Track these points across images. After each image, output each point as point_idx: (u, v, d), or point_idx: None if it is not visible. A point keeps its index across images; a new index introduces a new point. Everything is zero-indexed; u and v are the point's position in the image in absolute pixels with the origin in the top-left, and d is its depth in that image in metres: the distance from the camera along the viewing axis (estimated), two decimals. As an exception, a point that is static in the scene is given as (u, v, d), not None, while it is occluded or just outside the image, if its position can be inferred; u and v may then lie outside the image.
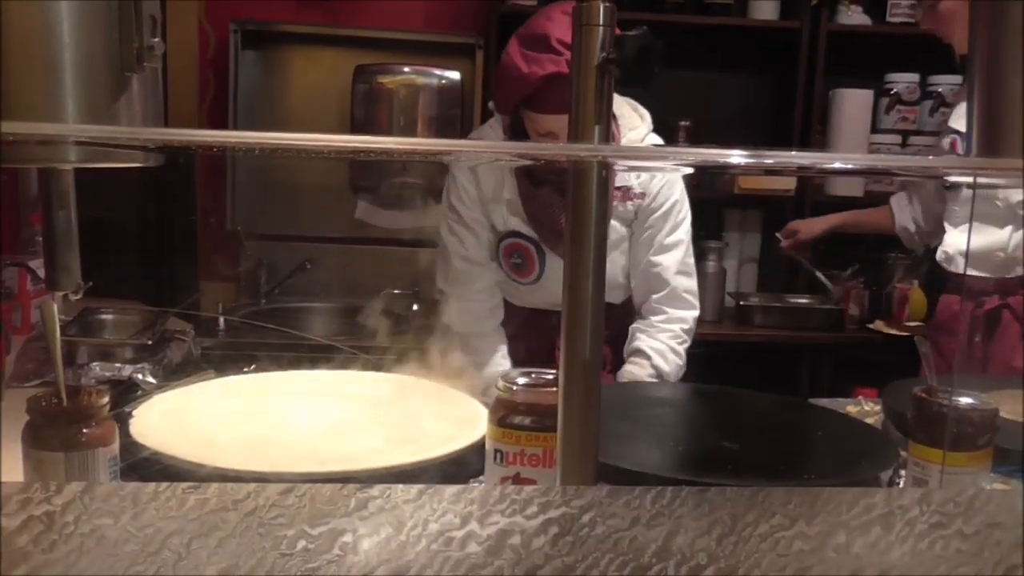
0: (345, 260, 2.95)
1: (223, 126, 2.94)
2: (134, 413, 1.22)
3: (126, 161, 0.78)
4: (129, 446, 1.09)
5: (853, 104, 3.07)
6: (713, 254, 3.05)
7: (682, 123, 3.04)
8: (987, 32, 0.71)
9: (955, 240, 2.15)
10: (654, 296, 1.88)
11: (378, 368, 1.57)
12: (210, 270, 2.99)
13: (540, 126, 1.70)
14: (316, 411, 1.32)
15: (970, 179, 1.48)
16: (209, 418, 1.26)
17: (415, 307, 2.61)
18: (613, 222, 1.82)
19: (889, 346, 2.81)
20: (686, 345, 1.90)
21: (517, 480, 0.98)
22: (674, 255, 1.88)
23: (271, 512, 0.69)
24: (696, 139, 3.03)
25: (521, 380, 1.01)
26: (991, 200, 2.04)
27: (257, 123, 2.95)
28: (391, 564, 0.70)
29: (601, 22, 0.73)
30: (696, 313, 1.92)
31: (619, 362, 1.87)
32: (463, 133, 2.76)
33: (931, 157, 2.37)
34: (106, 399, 0.96)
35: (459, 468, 1.14)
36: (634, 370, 1.84)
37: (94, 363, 1.51)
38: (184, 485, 0.69)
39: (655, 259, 1.87)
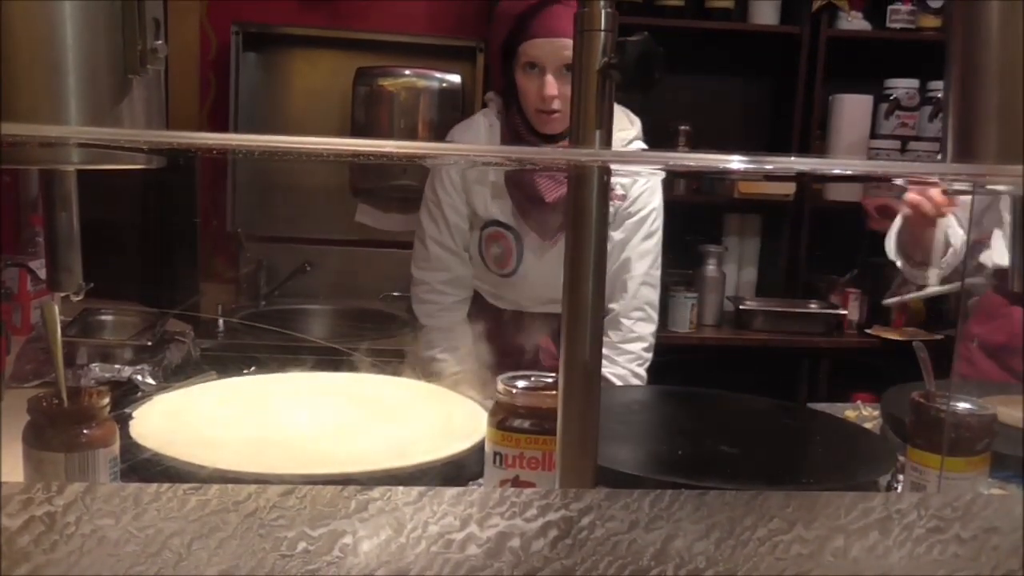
0: (345, 262, 2.95)
1: (224, 128, 2.94)
2: (134, 414, 1.23)
3: (128, 163, 0.78)
4: (129, 447, 1.09)
5: (852, 109, 3.07)
6: (712, 258, 3.05)
7: (682, 128, 3.05)
8: (962, 39, 0.72)
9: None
10: (613, 304, 1.88)
11: (378, 370, 1.57)
12: (210, 272, 2.99)
13: (533, 56, 1.69)
14: (316, 413, 1.32)
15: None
16: (209, 419, 1.26)
17: (415, 309, 2.61)
18: None
19: (888, 351, 2.82)
20: (647, 365, 1.90)
21: (516, 483, 0.98)
22: (642, 264, 1.87)
23: (272, 513, 0.69)
24: (696, 144, 3.03)
25: (521, 383, 1.01)
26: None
27: (258, 125, 2.95)
28: (391, 566, 0.71)
29: (603, 27, 0.74)
30: (654, 327, 1.91)
31: None
32: (464, 136, 2.76)
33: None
34: (107, 400, 0.96)
35: (459, 471, 1.14)
36: None
37: (94, 364, 1.51)
38: (185, 486, 0.69)
39: (622, 266, 1.87)
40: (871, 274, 2.95)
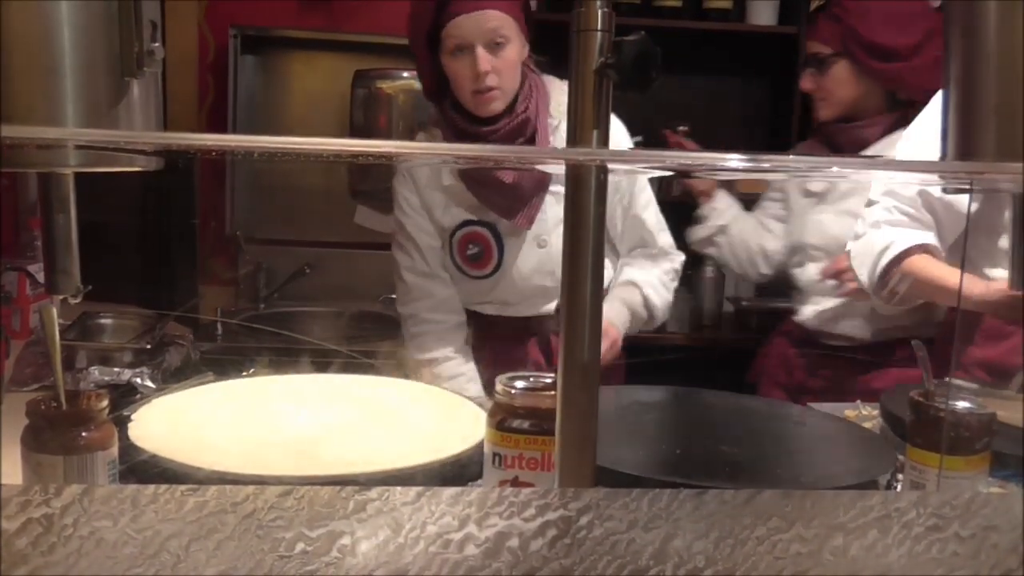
0: (344, 264, 2.95)
1: (222, 131, 2.94)
2: (133, 417, 1.23)
3: (126, 165, 0.78)
4: (128, 449, 1.09)
5: (851, 109, 3.07)
6: (711, 259, 3.05)
7: (680, 128, 3.04)
8: (960, 38, 0.72)
9: None
10: (640, 249, 1.88)
11: (377, 372, 1.57)
12: (209, 274, 3.00)
13: (459, 36, 1.65)
14: (315, 414, 1.32)
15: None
16: (208, 421, 1.26)
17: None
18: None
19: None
20: (675, 285, 1.89)
21: (516, 483, 0.98)
22: (650, 214, 1.87)
23: (270, 514, 0.69)
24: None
25: (519, 384, 1.01)
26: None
27: (256, 128, 2.95)
28: (389, 566, 0.71)
29: (599, 27, 0.73)
30: (683, 258, 1.93)
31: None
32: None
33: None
34: (105, 402, 0.96)
35: (457, 472, 1.14)
36: (624, 296, 1.80)
37: (93, 367, 1.52)
38: (183, 487, 0.69)
39: (635, 216, 1.85)
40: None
